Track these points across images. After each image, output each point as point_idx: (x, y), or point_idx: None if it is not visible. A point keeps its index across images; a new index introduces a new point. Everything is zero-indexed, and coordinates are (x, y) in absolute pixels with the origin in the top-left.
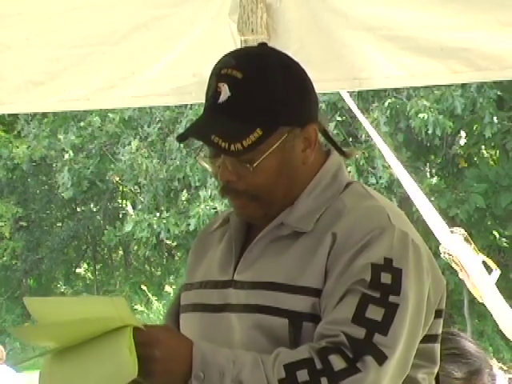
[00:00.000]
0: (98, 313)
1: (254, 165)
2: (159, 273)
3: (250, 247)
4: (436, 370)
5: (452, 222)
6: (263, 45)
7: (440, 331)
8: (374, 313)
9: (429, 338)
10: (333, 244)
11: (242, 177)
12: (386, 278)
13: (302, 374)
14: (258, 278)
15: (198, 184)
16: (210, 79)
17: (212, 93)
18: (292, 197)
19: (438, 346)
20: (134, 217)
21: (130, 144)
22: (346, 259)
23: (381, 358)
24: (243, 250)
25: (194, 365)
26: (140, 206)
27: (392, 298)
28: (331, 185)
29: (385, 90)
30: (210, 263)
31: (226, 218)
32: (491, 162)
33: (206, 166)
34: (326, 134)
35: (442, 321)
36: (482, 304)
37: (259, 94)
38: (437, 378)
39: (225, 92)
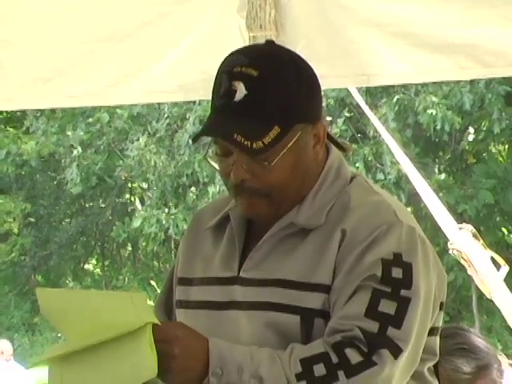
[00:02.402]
0: (115, 308)
1: (273, 163)
2: (168, 268)
3: (258, 245)
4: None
5: (460, 218)
6: (271, 42)
7: (440, 323)
8: (387, 307)
9: (432, 331)
10: (342, 240)
11: (256, 175)
12: (396, 272)
13: (319, 368)
14: (268, 275)
15: (206, 180)
16: (219, 77)
17: (225, 91)
18: (301, 194)
19: (438, 339)
20: (142, 213)
21: (138, 140)
22: (355, 255)
23: (396, 352)
24: (245, 247)
25: (211, 361)
26: (148, 202)
27: (403, 292)
28: (336, 180)
29: (393, 86)
30: (209, 259)
31: (225, 215)
32: (500, 158)
33: (215, 164)
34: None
35: (442, 313)
36: (491, 300)
37: (276, 92)
38: (436, 368)
39: (240, 90)
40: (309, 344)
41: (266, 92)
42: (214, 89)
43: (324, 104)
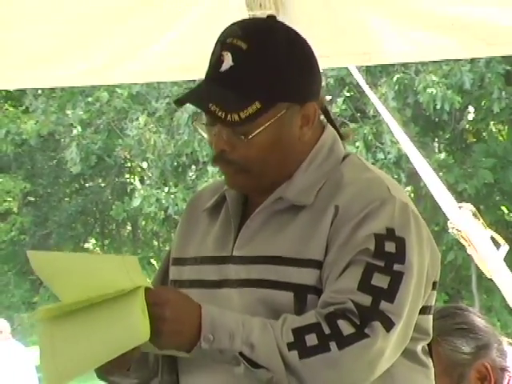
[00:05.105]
0: (107, 271)
1: (249, 137)
2: (167, 248)
3: (247, 222)
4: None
5: (460, 197)
6: (272, 17)
7: (434, 303)
8: (380, 281)
9: (425, 310)
10: (335, 216)
11: (235, 148)
12: (390, 246)
13: (311, 338)
14: (260, 252)
15: (205, 159)
16: (215, 47)
17: (215, 61)
18: (288, 171)
19: (431, 318)
20: (142, 192)
21: (137, 119)
22: (348, 230)
23: (388, 325)
24: (241, 226)
25: (203, 327)
26: (148, 181)
27: (397, 267)
28: (329, 158)
29: (393, 65)
30: (204, 239)
31: (222, 195)
32: (499, 137)
33: (202, 132)
34: (326, 113)
35: (435, 293)
36: (490, 279)
37: (261, 67)
38: (429, 348)
39: (227, 61)
40: (301, 315)
41: (252, 66)
42: (210, 57)
43: (324, 83)
